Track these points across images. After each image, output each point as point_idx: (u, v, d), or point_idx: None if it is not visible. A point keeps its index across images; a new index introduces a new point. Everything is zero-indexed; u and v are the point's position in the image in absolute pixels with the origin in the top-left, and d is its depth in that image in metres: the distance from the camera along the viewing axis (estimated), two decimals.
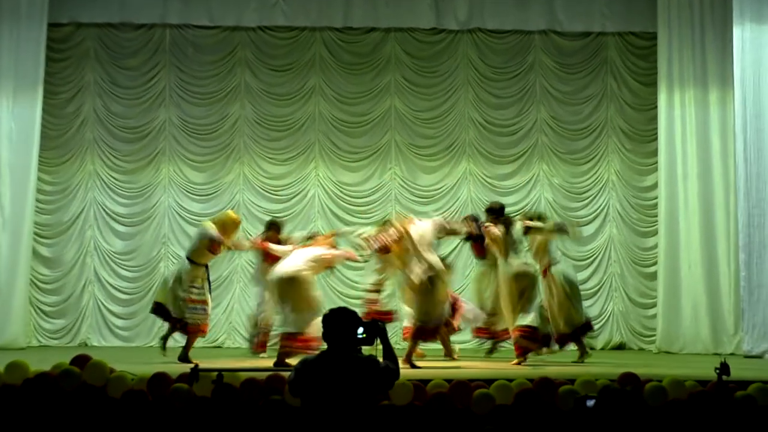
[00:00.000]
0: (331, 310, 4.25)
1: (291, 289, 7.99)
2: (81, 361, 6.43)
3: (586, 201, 11.98)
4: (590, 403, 4.18)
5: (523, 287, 8.54)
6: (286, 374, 5.54)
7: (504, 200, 11.80)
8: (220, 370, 5.72)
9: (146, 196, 11.76)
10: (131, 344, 11.38)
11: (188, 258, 8.71)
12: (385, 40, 12.03)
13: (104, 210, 11.72)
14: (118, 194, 11.76)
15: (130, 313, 11.56)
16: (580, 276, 11.80)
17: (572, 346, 9.16)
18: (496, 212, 9.10)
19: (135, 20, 11.76)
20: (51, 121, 11.64)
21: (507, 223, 8.85)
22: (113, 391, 6.18)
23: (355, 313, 4.23)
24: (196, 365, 5.95)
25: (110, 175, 11.75)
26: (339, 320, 4.16)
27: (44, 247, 11.59)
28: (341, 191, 11.85)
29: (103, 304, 11.55)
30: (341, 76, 11.99)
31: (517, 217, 9.27)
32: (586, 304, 11.65)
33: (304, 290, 8.04)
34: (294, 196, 11.80)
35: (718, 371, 5.86)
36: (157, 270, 11.60)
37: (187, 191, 11.80)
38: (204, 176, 11.84)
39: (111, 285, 11.59)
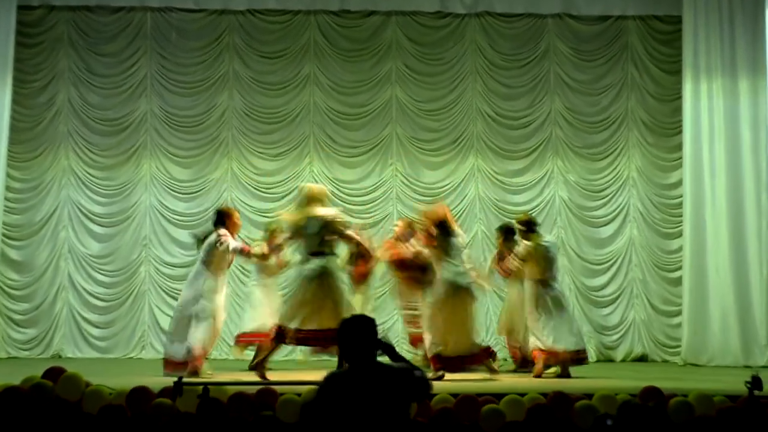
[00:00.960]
0: (347, 321, 4.16)
1: None
2: (54, 373, 6.42)
3: (605, 200, 11.97)
4: (611, 422, 4.16)
5: None
6: (277, 388, 5.49)
7: (515, 199, 11.87)
8: (205, 384, 5.70)
9: (125, 195, 11.75)
10: (109, 356, 11.36)
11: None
12: (385, 24, 12.03)
13: (79, 209, 11.70)
14: (95, 192, 11.75)
15: (107, 322, 11.54)
16: (598, 281, 11.81)
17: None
18: (530, 226, 9.13)
19: (113, 3, 11.76)
20: (21, 113, 11.63)
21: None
22: (89, 406, 6.16)
23: (373, 320, 4.18)
24: (180, 378, 5.94)
25: (86, 172, 11.74)
26: (361, 330, 4.10)
27: (14, 249, 11.58)
28: (338, 189, 11.83)
29: (78, 312, 11.54)
30: (338, 63, 11.98)
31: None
32: (605, 311, 11.72)
33: None
34: (286, 194, 11.77)
35: (749, 385, 5.85)
36: (137, 275, 11.60)
37: (170, 189, 11.79)
38: (189, 172, 11.83)
39: (87, 291, 11.58)
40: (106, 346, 11.50)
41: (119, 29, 11.85)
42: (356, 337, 4.07)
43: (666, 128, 11.96)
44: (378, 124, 11.98)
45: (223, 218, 8.59)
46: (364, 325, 4.11)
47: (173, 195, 11.79)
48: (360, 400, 3.93)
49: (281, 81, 11.93)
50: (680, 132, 11.53)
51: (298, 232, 8.15)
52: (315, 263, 7.98)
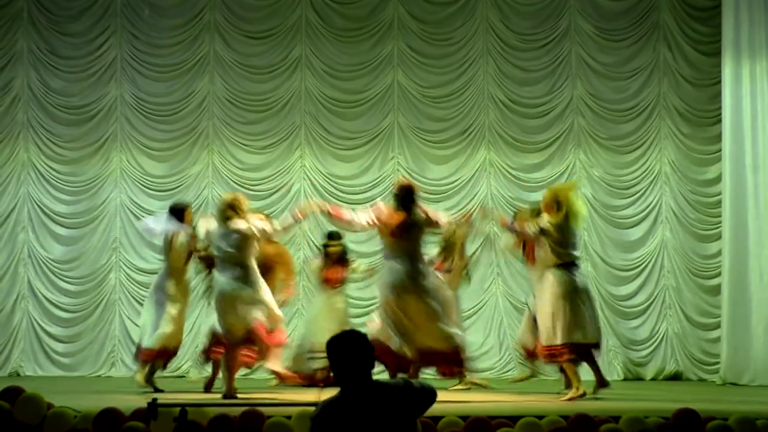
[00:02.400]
0: (336, 338, 4.13)
1: None
2: (11, 394, 6.41)
3: (634, 197, 11.98)
4: None
5: None
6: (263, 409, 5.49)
7: (531, 197, 11.81)
8: (183, 405, 5.71)
9: (93, 192, 11.77)
10: (74, 373, 11.38)
11: None
12: (386, 0, 12.04)
13: (41, 208, 11.71)
14: (58, 189, 11.76)
15: (72, 336, 11.56)
16: (626, 290, 11.81)
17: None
18: None
19: None
20: None
21: None
22: (51, 431, 6.16)
23: (364, 335, 4.16)
24: (154, 399, 5.95)
25: (48, 166, 11.76)
26: (352, 347, 4.08)
27: None
28: (333, 185, 11.85)
29: (39, 324, 11.55)
30: (332, 45, 12.00)
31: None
32: (633, 323, 11.71)
33: None
34: (275, 192, 11.80)
35: None
36: (106, 282, 11.61)
37: (143, 185, 11.80)
38: (164, 167, 11.85)
39: (49, 301, 11.59)
40: (71, 363, 11.51)
41: (86, 6, 11.88)
42: (348, 356, 4.05)
43: (703, 117, 11.96)
44: (378, 112, 11.99)
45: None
46: (355, 341, 4.10)
47: (147, 192, 11.80)
48: (362, 428, 3.92)
49: (269, 64, 11.95)
50: (719, 121, 11.53)
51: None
52: None
